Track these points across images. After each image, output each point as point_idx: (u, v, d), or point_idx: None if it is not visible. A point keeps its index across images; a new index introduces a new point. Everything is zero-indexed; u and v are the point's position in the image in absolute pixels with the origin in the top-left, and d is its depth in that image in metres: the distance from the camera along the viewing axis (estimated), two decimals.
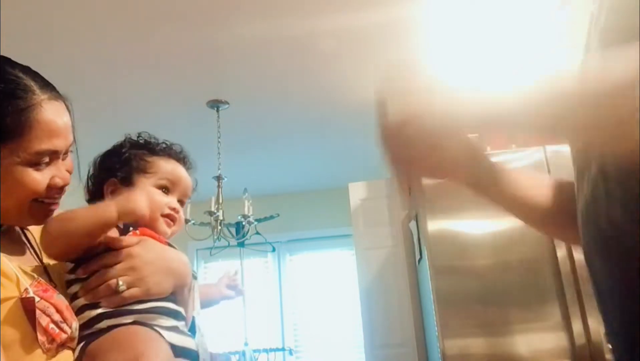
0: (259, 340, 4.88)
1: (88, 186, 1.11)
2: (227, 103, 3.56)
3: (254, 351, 4.45)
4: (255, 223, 3.71)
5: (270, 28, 2.84)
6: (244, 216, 3.63)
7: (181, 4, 2.61)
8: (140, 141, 1.12)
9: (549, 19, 2.91)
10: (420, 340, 3.25)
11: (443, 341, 2.35)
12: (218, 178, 3.59)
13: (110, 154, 1.12)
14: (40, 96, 0.87)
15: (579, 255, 2.17)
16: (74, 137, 0.94)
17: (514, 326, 2.30)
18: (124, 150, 1.10)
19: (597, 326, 2.25)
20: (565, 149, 2.65)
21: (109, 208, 0.92)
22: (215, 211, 3.51)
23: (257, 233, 3.84)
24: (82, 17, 2.64)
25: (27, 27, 2.65)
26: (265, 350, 4.60)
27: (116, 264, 0.92)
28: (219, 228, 3.53)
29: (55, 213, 0.94)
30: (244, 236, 3.79)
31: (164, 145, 1.13)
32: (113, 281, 0.89)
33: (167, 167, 1.10)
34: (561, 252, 2.38)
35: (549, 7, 2.81)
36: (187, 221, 3.41)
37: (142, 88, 3.35)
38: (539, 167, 2.48)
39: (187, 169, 1.14)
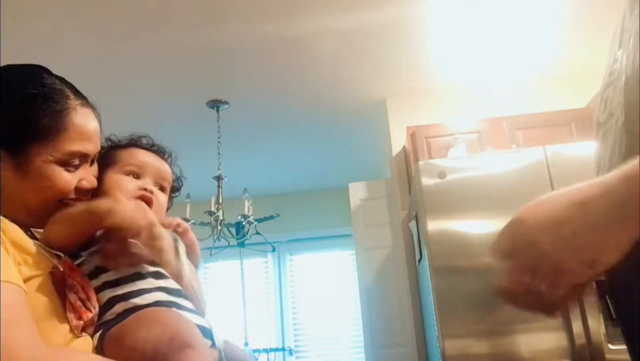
0: (259, 340, 4.89)
1: None
2: (227, 103, 3.56)
3: (254, 351, 4.46)
4: (255, 223, 3.71)
5: (270, 28, 2.84)
6: (244, 216, 3.63)
7: (181, 4, 2.61)
8: (106, 144, 1.14)
9: (550, 13, 2.92)
10: (420, 340, 3.24)
11: (443, 341, 2.35)
12: (218, 178, 3.59)
13: None
14: (74, 101, 0.95)
15: None
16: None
17: (514, 326, 2.30)
18: None
19: (597, 326, 2.25)
20: (565, 149, 2.63)
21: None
22: (215, 211, 3.51)
23: (257, 233, 3.84)
24: (81, 17, 2.64)
25: (27, 29, 2.65)
26: (265, 350, 4.61)
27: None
28: (219, 228, 3.53)
29: None
30: (244, 236, 3.79)
31: (128, 139, 1.14)
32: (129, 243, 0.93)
33: (131, 154, 1.10)
34: None
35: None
36: (187, 220, 3.41)
37: (142, 88, 3.35)
38: (539, 167, 2.47)
39: (159, 156, 1.14)
